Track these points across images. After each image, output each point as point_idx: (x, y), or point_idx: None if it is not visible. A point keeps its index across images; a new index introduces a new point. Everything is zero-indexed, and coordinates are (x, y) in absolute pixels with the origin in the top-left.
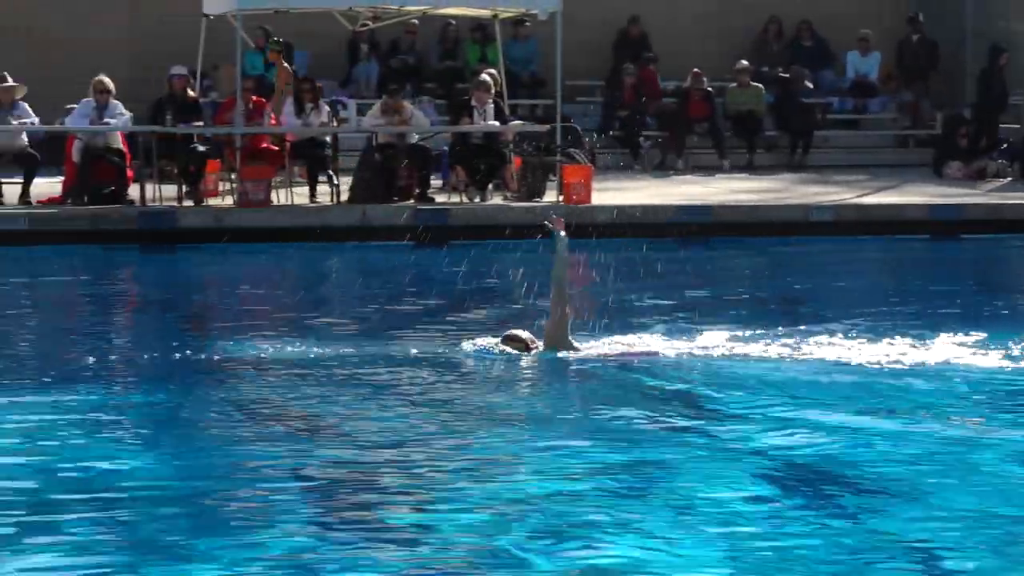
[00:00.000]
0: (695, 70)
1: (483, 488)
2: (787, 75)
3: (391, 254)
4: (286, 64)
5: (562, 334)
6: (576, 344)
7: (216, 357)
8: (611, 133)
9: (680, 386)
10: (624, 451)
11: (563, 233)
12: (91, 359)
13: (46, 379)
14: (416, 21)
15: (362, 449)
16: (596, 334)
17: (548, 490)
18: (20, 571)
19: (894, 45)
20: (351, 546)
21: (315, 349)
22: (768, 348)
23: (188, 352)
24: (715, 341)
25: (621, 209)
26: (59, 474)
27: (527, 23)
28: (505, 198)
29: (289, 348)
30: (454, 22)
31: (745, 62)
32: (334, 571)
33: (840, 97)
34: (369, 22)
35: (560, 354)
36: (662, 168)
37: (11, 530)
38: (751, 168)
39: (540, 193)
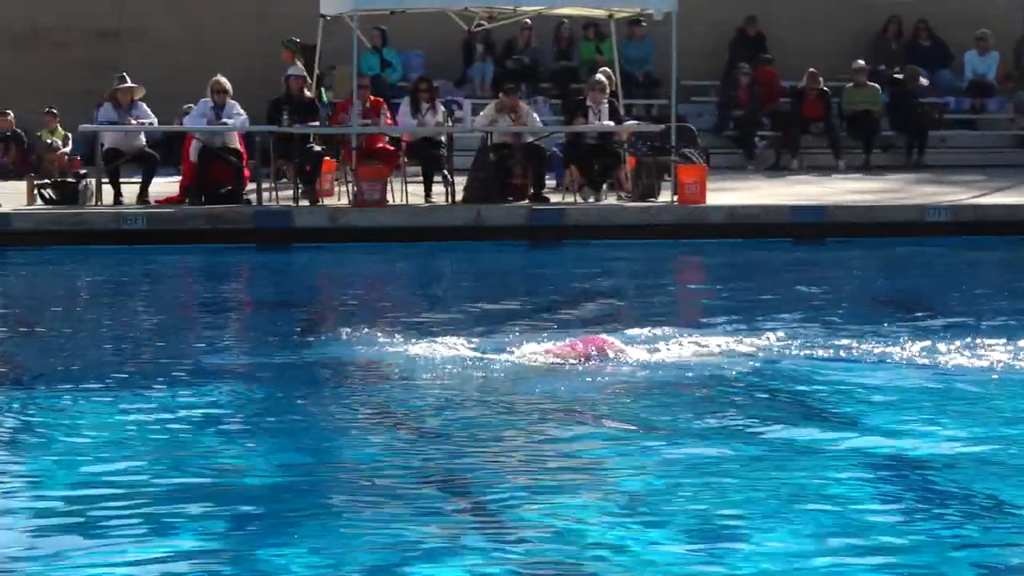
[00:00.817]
0: (811, 70)
1: (596, 487)
2: (901, 75)
3: (506, 254)
4: (299, 64)
5: None
6: None
7: (331, 355)
8: (726, 133)
9: (795, 388)
10: (733, 450)
11: None
12: (207, 357)
13: (162, 376)
14: (530, 21)
15: (472, 447)
16: (697, 333)
17: (670, 488)
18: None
19: (1012, 45)
20: (459, 545)
21: (429, 348)
22: (879, 349)
23: (303, 350)
24: (824, 341)
25: (735, 209)
26: (175, 469)
27: (643, 23)
28: (619, 198)
29: (404, 347)
30: (568, 22)
31: (862, 62)
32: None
33: (957, 97)
34: (484, 22)
35: None
36: (777, 168)
37: (129, 521)
38: (867, 168)
39: (655, 193)
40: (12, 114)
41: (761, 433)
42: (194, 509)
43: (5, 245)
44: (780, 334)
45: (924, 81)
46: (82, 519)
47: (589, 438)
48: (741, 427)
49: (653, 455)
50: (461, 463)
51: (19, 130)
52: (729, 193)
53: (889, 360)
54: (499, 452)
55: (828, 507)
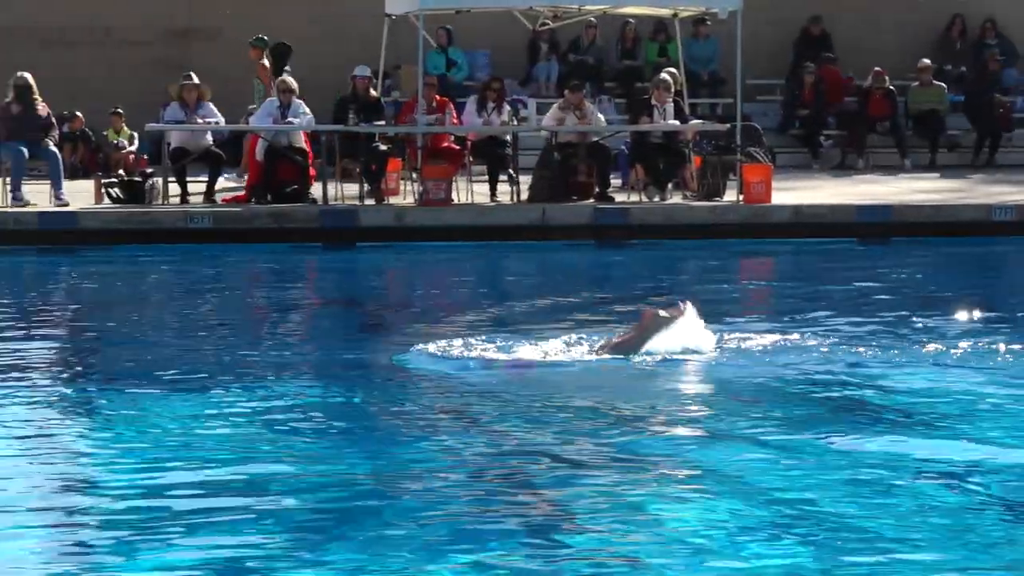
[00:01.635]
0: (876, 68)
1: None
2: (977, 68)
3: (571, 253)
4: (266, 62)
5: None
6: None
7: (398, 354)
8: (791, 132)
9: (861, 389)
10: (801, 448)
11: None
12: (274, 355)
13: (229, 374)
14: (595, 20)
15: (541, 446)
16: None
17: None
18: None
19: None
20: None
21: (495, 347)
22: (944, 350)
23: (370, 349)
24: (889, 342)
25: (800, 208)
26: (241, 465)
27: (707, 21)
28: (685, 197)
29: (470, 346)
30: (633, 21)
31: (927, 60)
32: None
33: None
34: (549, 21)
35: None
36: (842, 167)
37: (196, 517)
38: (933, 168)
39: (720, 192)
40: (81, 115)
41: (829, 435)
42: (260, 505)
43: (73, 244)
44: (845, 334)
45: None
46: (156, 513)
47: (662, 438)
48: (809, 427)
49: (723, 454)
50: (531, 463)
51: (87, 130)
52: (794, 192)
53: (954, 361)
54: (569, 450)
55: (908, 510)
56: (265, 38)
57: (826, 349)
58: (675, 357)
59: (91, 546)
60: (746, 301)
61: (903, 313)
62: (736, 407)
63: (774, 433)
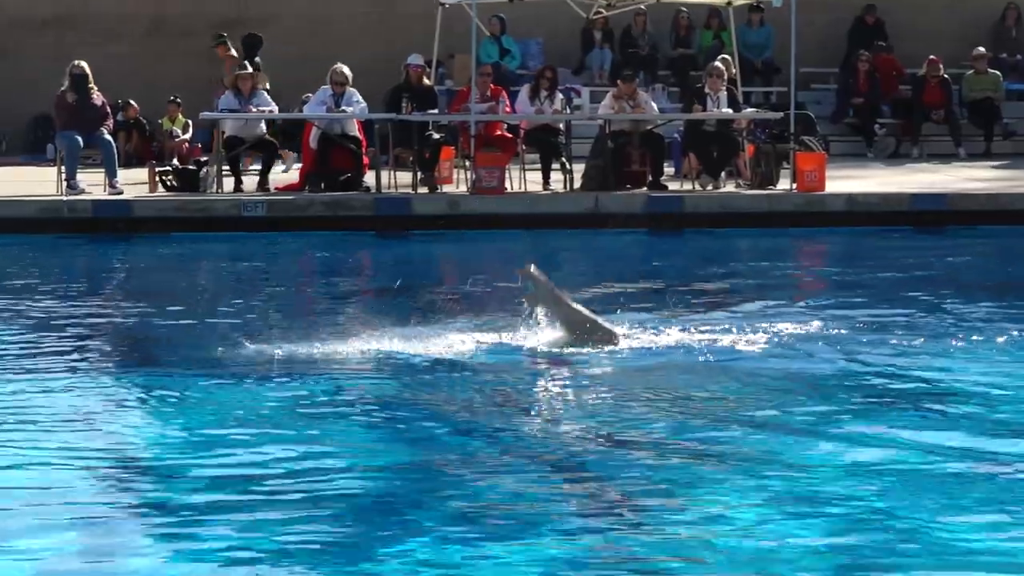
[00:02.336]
0: (931, 57)
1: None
2: None
3: (625, 241)
4: (233, 53)
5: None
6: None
7: (453, 342)
8: (845, 121)
9: (917, 379)
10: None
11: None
12: (327, 343)
13: (283, 362)
14: (645, 7)
15: (599, 435)
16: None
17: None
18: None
19: None
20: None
21: (552, 335)
22: (1000, 339)
23: (423, 336)
24: (945, 330)
25: (855, 197)
26: (290, 452)
27: (762, 8)
28: (738, 185)
29: (526, 333)
30: (687, 9)
31: (982, 48)
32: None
33: None
34: (602, 10)
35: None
36: (896, 156)
37: (245, 501)
38: (988, 156)
39: (773, 181)
40: (135, 104)
41: (890, 429)
42: (315, 492)
43: (127, 232)
44: (898, 323)
45: None
46: (209, 498)
47: (723, 428)
48: (869, 418)
49: (788, 444)
50: (587, 451)
51: (142, 118)
52: (849, 181)
53: (1011, 349)
54: (624, 438)
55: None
56: (224, 35)
57: (881, 338)
58: (722, 346)
59: (149, 529)
60: (800, 289)
61: (956, 301)
62: (792, 397)
63: (836, 424)
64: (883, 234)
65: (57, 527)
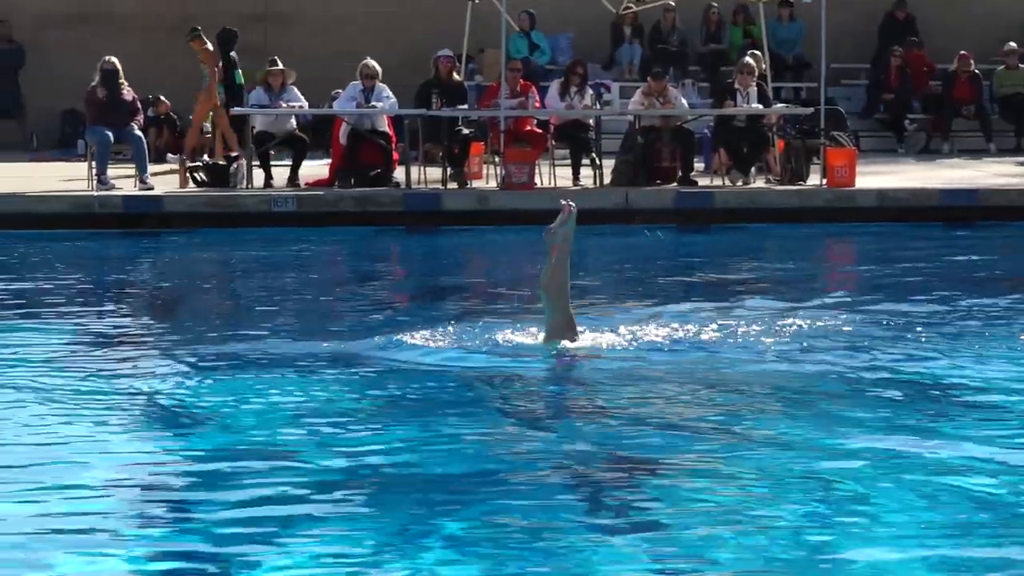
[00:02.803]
0: (961, 52)
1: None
2: None
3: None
4: (209, 47)
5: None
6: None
7: (480, 336)
8: (876, 116)
9: (949, 377)
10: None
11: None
12: (357, 338)
13: (312, 358)
14: (674, 3)
15: (640, 432)
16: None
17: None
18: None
19: None
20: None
21: (587, 330)
22: None
23: (454, 332)
24: (976, 327)
25: (885, 192)
26: (320, 448)
27: (792, 3)
28: (768, 181)
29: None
30: (717, 5)
31: (1013, 44)
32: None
33: None
34: (632, 5)
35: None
36: (927, 151)
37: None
38: (1019, 151)
39: (803, 176)
40: (166, 100)
41: (928, 430)
42: (349, 489)
43: (158, 227)
44: (931, 320)
45: None
46: (237, 494)
47: (762, 427)
48: (897, 416)
49: (814, 442)
50: (626, 447)
51: (173, 114)
52: (879, 176)
53: None
54: (657, 438)
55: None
56: (199, 28)
57: (911, 335)
58: (750, 341)
59: (178, 525)
60: (829, 285)
61: (986, 298)
62: (819, 394)
63: (862, 421)
64: (913, 230)
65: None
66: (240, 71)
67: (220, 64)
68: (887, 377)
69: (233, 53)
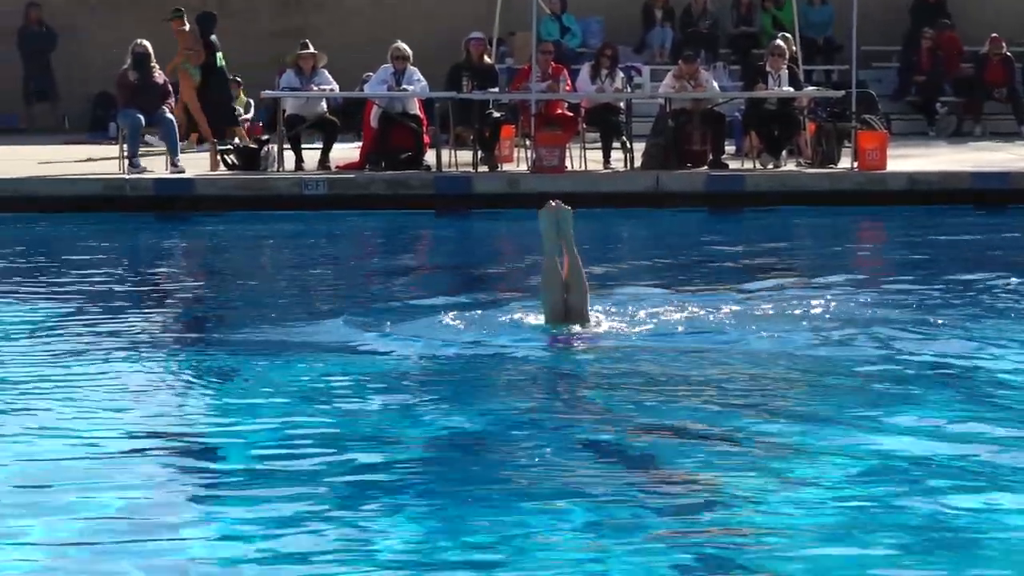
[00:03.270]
0: (993, 35)
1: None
2: None
3: (686, 220)
4: (186, 28)
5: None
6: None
7: (511, 319)
8: (907, 99)
9: (976, 362)
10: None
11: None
12: (386, 321)
13: (343, 340)
14: None
15: (665, 421)
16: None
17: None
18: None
19: None
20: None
21: (614, 312)
22: None
23: (485, 316)
24: (1006, 309)
25: (916, 175)
26: (345, 430)
27: None
28: (799, 164)
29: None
30: None
31: None
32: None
33: None
34: None
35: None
36: (959, 134)
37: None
38: None
39: (835, 159)
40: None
41: (951, 411)
42: (363, 472)
43: (189, 210)
44: (961, 303)
45: None
46: (269, 474)
47: (773, 409)
48: (926, 401)
49: (838, 427)
50: (654, 434)
51: None
52: (910, 159)
53: None
54: (681, 424)
55: None
56: (181, 9)
57: (941, 318)
58: (779, 324)
59: (209, 507)
60: (860, 268)
61: (1018, 279)
62: (849, 378)
63: (891, 407)
64: (944, 213)
65: (115, 495)
66: (220, 54)
67: (200, 46)
68: (918, 359)
69: (213, 36)
